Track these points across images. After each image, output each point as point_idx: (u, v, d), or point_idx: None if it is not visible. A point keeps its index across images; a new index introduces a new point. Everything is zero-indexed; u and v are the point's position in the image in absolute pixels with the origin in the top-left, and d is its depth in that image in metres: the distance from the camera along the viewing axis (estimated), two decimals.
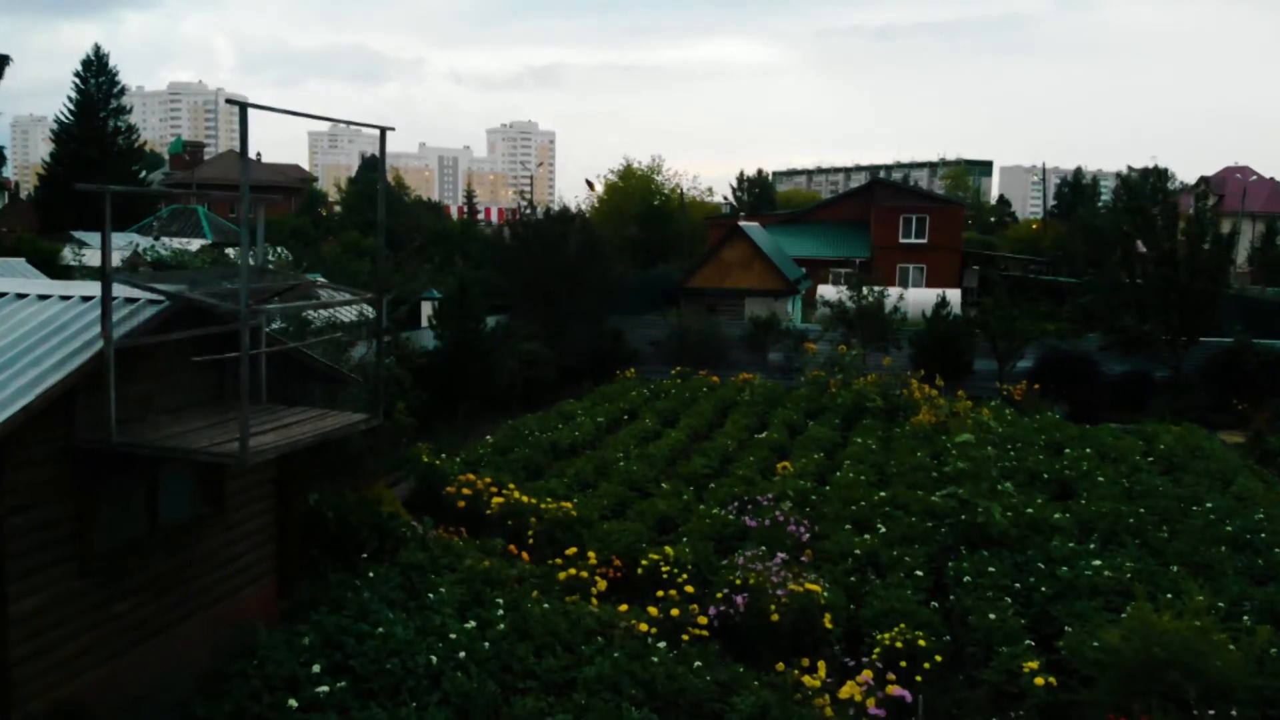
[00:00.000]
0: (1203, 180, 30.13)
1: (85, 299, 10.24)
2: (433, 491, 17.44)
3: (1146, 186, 29.82)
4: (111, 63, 72.93)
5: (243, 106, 8.76)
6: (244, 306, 8.89)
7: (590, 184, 42.54)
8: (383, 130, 10.76)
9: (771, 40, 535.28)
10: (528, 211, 34.45)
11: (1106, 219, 32.73)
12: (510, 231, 34.66)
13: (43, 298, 10.44)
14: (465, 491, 16.92)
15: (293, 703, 9.18)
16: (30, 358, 9.26)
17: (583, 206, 55.00)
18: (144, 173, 78.66)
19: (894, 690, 10.23)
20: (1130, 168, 30.74)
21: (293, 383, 12.37)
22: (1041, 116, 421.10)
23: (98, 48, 73.22)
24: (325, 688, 9.48)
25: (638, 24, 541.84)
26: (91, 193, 9.10)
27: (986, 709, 11.06)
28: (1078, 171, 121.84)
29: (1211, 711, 9.71)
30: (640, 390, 28.53)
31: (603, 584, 13.61)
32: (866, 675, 10.54)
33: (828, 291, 40.42)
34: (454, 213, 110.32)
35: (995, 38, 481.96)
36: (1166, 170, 29.91)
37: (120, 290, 10.12)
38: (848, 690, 10.29)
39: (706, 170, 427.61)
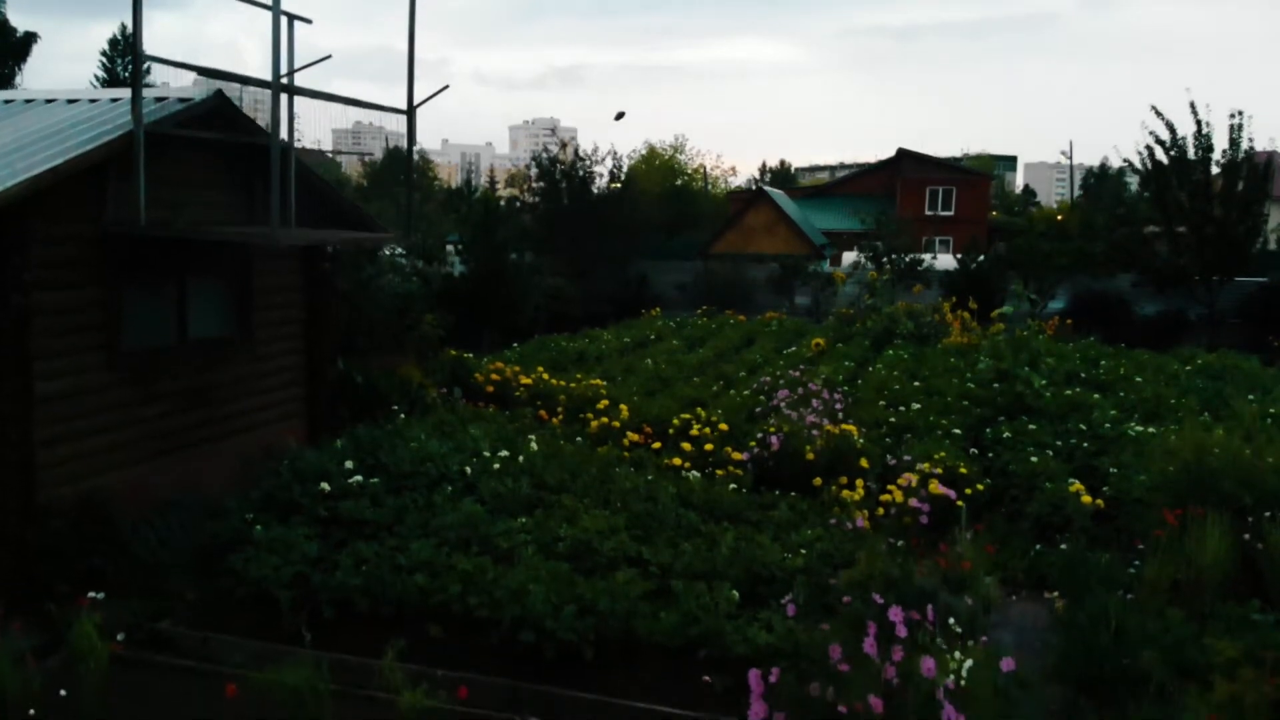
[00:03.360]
0: (1237, 113, 29.21)
1: (114, 100, 10.16)
2: (460, 381, 17.20)
3: (1189, 139, 29.02)
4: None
5: None
6: (276, 78, 8.75)
7: (620, 115, 41.86)
8: None
9: (793, 40, 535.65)
10: (556, 151, 34.11)
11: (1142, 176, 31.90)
12: (537, 169, 34.30)
13: (71, 102, 10.35)
14: (494, 377, 16.71)
15: (325, 485, 8.98)
16: (59, 137, 9.15)
17: (614, 148, 53.57)
18: None
19: (937, 488, 9.90)
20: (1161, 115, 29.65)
21: (322, 224, 12.19)
22: (1065, 116, 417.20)
23: (124, 27, 73.10)
24: (359, 478, 9.27)
25: (660, 24, 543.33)
26: None
27: (1031, 540, 10.74)
28: (1103, 163, 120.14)
29: (1269, 513, 9.38)
30: (666, 323, 28.25)
31: (635, 436, 13.34)
32: (909, 477, 10.21)
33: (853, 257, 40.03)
34: None
35: (1017, 37, 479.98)
36: (1195, 105, 28.88)
37: (149, 93, 10.03)
38: (888, 497, 9.98)
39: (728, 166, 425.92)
